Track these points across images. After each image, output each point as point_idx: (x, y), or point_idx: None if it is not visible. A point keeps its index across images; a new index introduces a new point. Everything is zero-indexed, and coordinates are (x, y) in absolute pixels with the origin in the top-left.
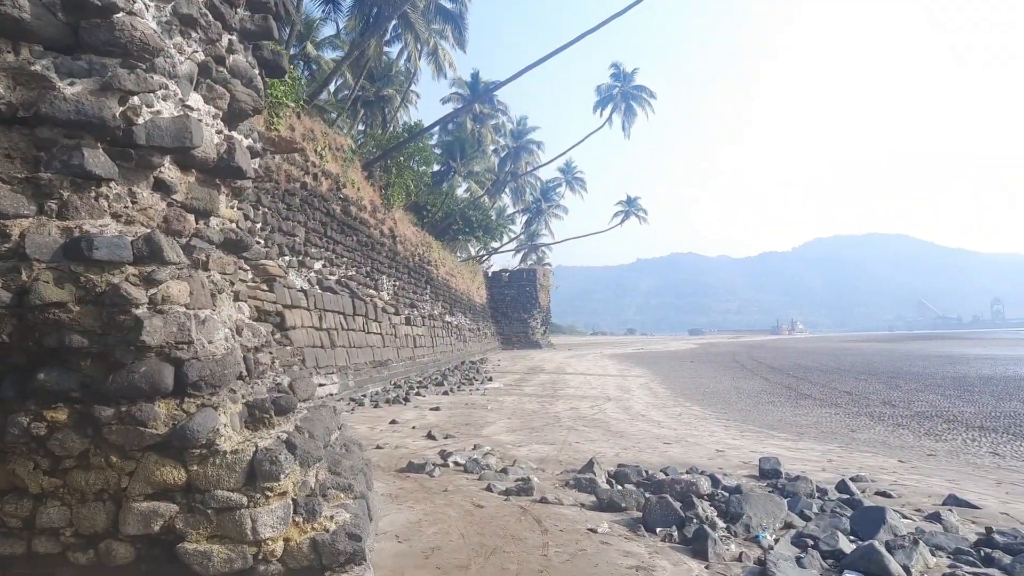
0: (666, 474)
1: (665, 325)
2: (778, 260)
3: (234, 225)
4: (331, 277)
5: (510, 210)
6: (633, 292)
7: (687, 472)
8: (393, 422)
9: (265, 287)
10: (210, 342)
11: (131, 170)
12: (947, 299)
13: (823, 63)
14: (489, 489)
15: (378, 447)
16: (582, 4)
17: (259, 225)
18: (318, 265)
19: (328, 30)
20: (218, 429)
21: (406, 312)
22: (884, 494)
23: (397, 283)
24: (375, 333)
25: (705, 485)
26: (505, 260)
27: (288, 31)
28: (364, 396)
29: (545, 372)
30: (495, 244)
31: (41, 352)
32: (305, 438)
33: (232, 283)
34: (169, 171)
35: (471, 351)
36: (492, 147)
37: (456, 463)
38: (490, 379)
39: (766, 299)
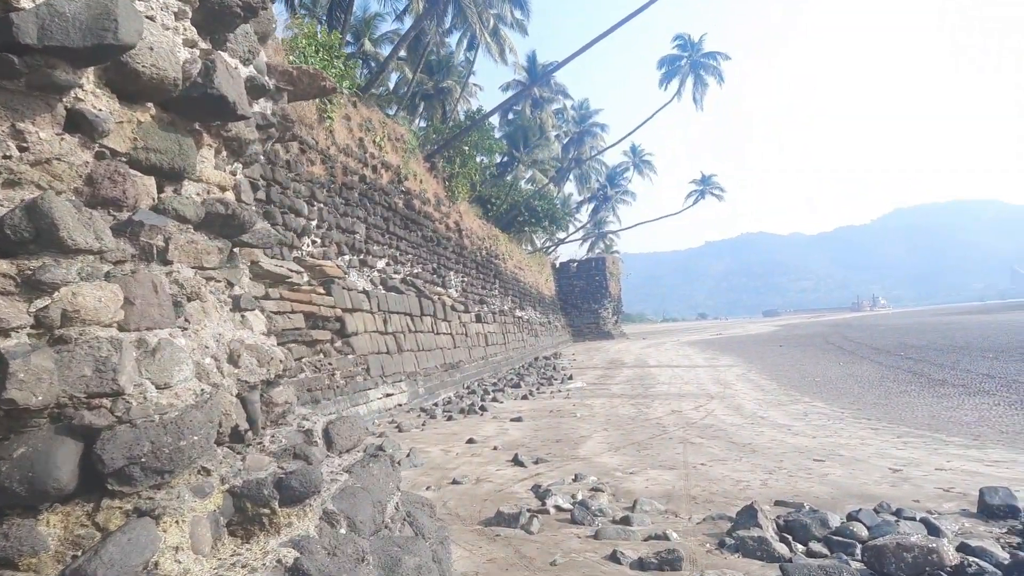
0: (865, 525)
1: (738, 308)
2: (856, 234)
3: (227, 195)
4: (395, 276)
5: (576, 198)
6: (703, 276)
7: (877, 509)
8: (471, 441)
9: (322, 290)
10: (163, 387)
11: (17, 94)
12: None
13: (892, 19)
14: (615, 559)
15: (455, 482)
16: None
17: (314, 223)
18: (381, 263)
19: (385, 26)
20: (157, 562)
21: (476, 309)
22: None
23: (465, 279)
24: (445, 334)
25: (950, 553)
26: (572, 250)
27: (341, 22)
28: (436, 405)
29: (627, 366)
30: (562, 234)
31: None
32: (338, 536)
33: (230, 283)
34: (93, 98)
35: (543, 345)
36: (555, 133)
37: (558, 508)
38: (570, 377)
39: (843, 275)
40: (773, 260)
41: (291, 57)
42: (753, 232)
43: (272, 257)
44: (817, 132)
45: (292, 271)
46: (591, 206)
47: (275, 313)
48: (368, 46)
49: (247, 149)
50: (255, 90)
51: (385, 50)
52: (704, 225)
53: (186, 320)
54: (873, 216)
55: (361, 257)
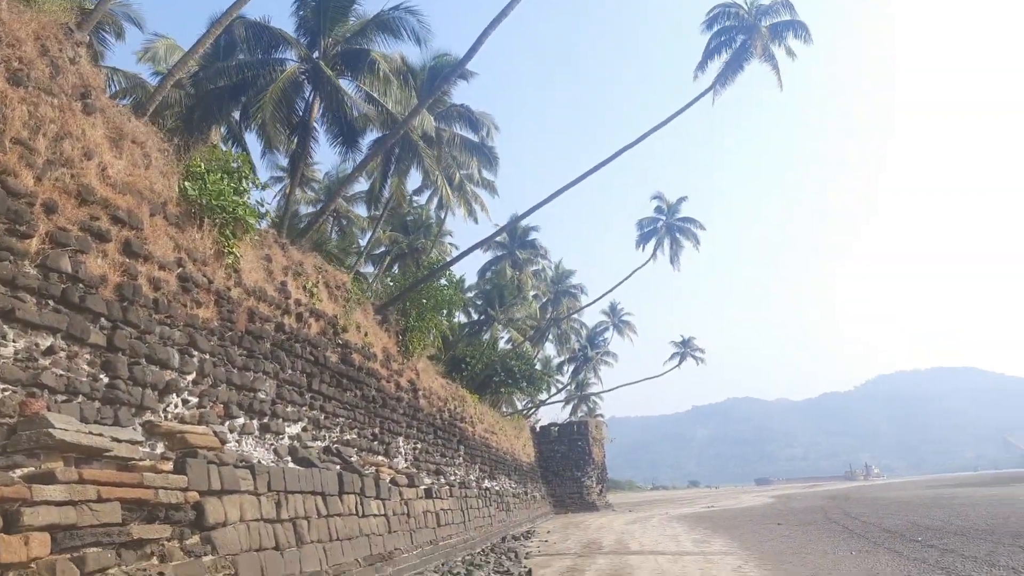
0: None
1: (727, 475)
2: (840, 401)
3: None
4: (314, 443)
5: (556, 359)
6: (691, 441)
7: None
8: None
9: (168, 467)
10: None
11: None
12: None
13: (859, 183)
14: None
15: None
16: (617, 135)
17: (190, 377)
18: (294, 429)
19: (360, 186)
20: None
21: (428, 482)
22: None
23: (419, 445)
24: (376, 515)
25: None
26: (554, 413)
27: (294, 172)
28: None
29: (603, 552)
30: (542, 396)
31: None
32: None
33: None
34: None
35: (517, 520)
36: (533, 292)
37: None
38: (528, 572)
39: (832, 443)
40: (761, 426)
41: (186, 183)
42: (739, 396)
43: (96, 422)
44: (792, 297)
45: (119, 441)
46: (572, 367)
47: (61, 504)
48: (341, 203)
49: None
50: None
51: (358, 209)
52: (692, 388)
53: None
54: (856, 383)
55: (264, 421)
